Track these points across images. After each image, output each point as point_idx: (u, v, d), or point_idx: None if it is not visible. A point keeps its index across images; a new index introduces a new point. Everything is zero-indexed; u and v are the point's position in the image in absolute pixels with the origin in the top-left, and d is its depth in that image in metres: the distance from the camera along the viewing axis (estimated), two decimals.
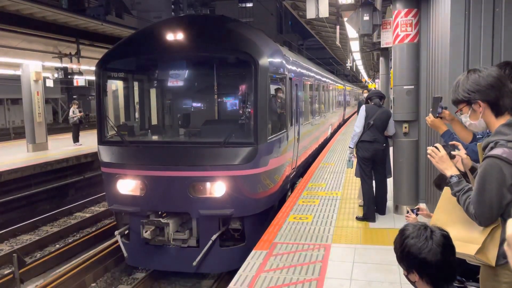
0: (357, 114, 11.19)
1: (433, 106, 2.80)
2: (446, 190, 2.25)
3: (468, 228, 2.11)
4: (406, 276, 1.85)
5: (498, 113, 2.06)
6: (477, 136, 2.79)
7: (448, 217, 2.22)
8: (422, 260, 1.74)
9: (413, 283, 1.84)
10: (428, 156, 2.28)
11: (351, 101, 33.92)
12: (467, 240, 2.09)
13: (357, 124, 6.51)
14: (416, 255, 1.75)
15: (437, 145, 2.27)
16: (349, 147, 6.75)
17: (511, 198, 1.87)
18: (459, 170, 2.22)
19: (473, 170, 2.25)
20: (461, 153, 2.28)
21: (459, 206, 2.12)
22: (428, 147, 2.30)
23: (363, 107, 6.62)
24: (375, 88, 27.15)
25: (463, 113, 2.16)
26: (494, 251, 1.99)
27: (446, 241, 1.77)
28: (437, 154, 2.23)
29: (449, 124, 2.90)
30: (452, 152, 2.24)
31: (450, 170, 2.19)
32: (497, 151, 1.92)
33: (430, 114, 2.83)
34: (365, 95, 11.14)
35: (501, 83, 2.04)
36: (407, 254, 1.78)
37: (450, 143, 2.34)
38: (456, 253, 2.02)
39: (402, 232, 1.85)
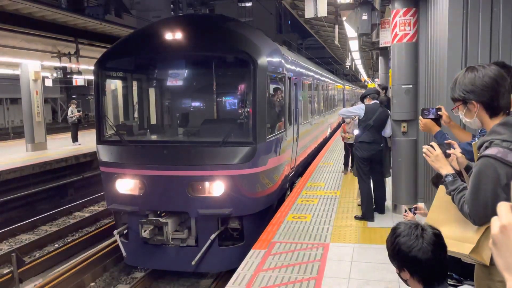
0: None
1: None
2: (441, 189, 2.25)
3: (462, 227, 2.11)
4: (398, 274, 1.86)
5: (492, 113, 2.05)
6: (473, 140, 2.78)
7: (443, 216, 2.23)
8: (413, 258, 1.74)
9: (405, 281, 1.85)
10: (424, 154, 2.28)
11: (350, 100, 33.90)
12: (462, 239, 2.10)
13: (350, 110, 6.68)
14: (407, 253, 1.76)
15: (433, 143, 2.28)
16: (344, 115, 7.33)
17: (505, 197, 1.88)
18: (454, 169, 2.22)
19: (468, 169, 2.26)
20: (456, 152, 2.28)
21: (454, 205, 2.13)
22: (423, 146, 2.30)
23: (362, 106, 6.60)
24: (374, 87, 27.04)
25: (459, 111, 2.17)
26: (489, 250, 1.99)
27: (437, 240, 1.77)
28: (432, 153, 2.24)
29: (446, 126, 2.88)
30: (448, 151, 2.25)
31: (445, 169, 2.19)
32: (491, 151, 1.92)
33: (421, 117, 2.79)
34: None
35: (497, 84, 2.00)
36: (398, 252, 1.79)
37: (446, 141, 2.34)
38: (451, 252, 2.02)
39: (393, 230, 1.86)
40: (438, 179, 3.01)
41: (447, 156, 2.23)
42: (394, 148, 6.74)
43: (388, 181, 7.23)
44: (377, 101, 6.63)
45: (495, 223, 0.99)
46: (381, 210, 6.74)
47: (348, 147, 9.84)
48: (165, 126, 8.39)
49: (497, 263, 1.00)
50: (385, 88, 10.13)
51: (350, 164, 9.80)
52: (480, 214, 1.96)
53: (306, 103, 11.63)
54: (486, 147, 1.97)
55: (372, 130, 6.44)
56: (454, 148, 2.29)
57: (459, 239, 2.10)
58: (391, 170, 6.97)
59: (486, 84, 2.01)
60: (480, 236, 2.02)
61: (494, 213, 1.03)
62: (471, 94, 2.05)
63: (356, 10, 7.64)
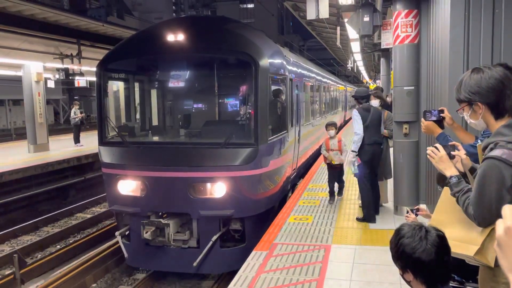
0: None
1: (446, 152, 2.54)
2: (446, 190, 2.25)
3: (467, 229, 2.11)
4: (402, 276, 1.86)
5: (498, 115, 2.05)
6: (475, 142, 2.77)
7: (447, 217, 2.22)
8: (416, 259, 1.74)
9: (408, 282, 1.85)
10: (428, 156, 2.28)
11: (351, 102, 33.89)
12: (466, 241, 2.09)
13: (357, 128, 6.38)
14: (410, 255, 1.75)
15: (437, 145, 2.27)
16: (352, 151, 6.37)
17: (510, 199, 1.87)
18: (458, 170, 2.22)
19: (472, 170, 2.25)
20: (460, 153, 2.28)
21: (458, 207, 2.12)
22: (427, 147, 2.29)
23: (355, 111, 6.58)
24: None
25: (464, 112, 2.16)
26: (493, 252, 1.99)
27: (441, 242, 1.77)
28: (436, 154, 2.23)
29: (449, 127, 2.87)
30: (452, 153, 2.24)
31: (449, 170, 2.19)
32: (496, 152, 1.92)
33: (423, 119, 2.78)
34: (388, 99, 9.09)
35: (502, 86, 2.00)
36: (402, 254, 1.79)
37: (450, 143, 2.34)
38: (455, 253, 2.02)
39: (397, 231, 1.86)
40: (442, 178, 3.00)
41: (452, 157, 2.23)
42: (395, 150, 6.73)
43: (390, 182, 7.22)
44: (368, 103, 6.63)
45: (500, 225, 0.99)
46: (376, 210, 6.69)
47: (332, 169, 7.59)
48: (167, 127, 8.40)
49: (502, 265, 1.00)
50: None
51: (336, 191, 7.72)
52: (484, 216, 1.96)
53: (308, 105, 11.63)
54: (491, 149, 1.97)
55: (371, 131, 6.42)
56: (458, 150, 2.28)
57: (464, 241, 2.09)
58: (392, 172, 6.96)
59: (491, 86, 2.01)
60: (485, 238, 2.01)
61: (499, 214, 1.03)
62: (477, 95, 2.05)
63: (358, 12, 7.64)
